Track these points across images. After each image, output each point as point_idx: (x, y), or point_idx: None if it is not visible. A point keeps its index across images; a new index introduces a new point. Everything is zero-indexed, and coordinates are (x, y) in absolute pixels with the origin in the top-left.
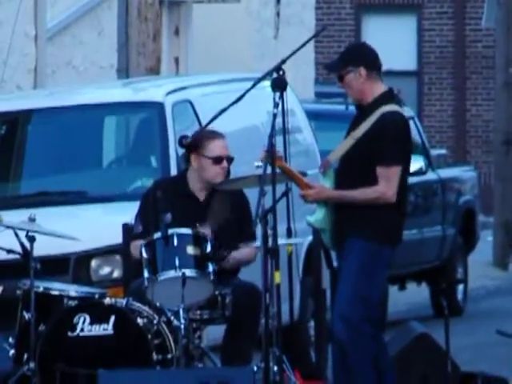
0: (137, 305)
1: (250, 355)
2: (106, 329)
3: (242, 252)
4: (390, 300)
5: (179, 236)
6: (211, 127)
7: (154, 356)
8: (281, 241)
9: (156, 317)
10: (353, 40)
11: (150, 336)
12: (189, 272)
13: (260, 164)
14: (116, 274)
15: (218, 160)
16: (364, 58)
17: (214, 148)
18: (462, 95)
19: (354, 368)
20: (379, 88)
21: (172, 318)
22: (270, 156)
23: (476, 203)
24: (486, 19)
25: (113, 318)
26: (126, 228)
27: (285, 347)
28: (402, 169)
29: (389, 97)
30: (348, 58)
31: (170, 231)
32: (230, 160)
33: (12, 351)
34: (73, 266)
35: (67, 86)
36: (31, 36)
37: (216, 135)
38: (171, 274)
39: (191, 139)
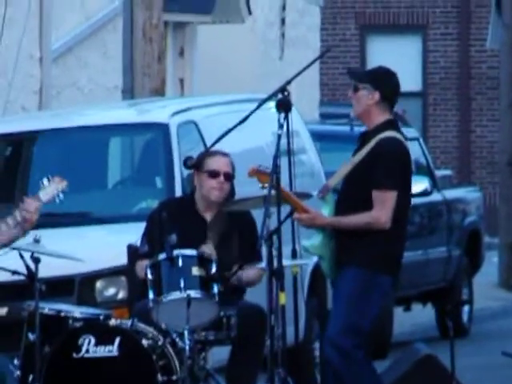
0: (142, 326)
1: (255, 377)
2: (111, 350)
3: (248, 273)
4: (396, 321)
5: (184, 257)
6: (216, 148)
7: (159, 377)
8: (286, 262)
9: (161, 338)
10: (358, 61)
11: (155, 357)
12: (194, 293)
13: (265, 185)
14: (121, 295)
15: (213, 174)
16: (385, 86)
17: (212, 163)
18: (466, 116)
19: None
20: (384, 116)
21: (177, 339)
22: (275, 178)
23: (481, 224)
24: (491, 40)
25: (118, 340)
26: (131, 249)
27: (290, 368)
28: (399, 195)
29: (389, 124)
30: (372, 77)
31: (175, 252)
32: (228, 177)
33: (17, 373)
34: (78, 287)
35: (72, 108)
36: (36, 58)
37: (217, 152)
38: (176, 295)
39: (196, 160)
